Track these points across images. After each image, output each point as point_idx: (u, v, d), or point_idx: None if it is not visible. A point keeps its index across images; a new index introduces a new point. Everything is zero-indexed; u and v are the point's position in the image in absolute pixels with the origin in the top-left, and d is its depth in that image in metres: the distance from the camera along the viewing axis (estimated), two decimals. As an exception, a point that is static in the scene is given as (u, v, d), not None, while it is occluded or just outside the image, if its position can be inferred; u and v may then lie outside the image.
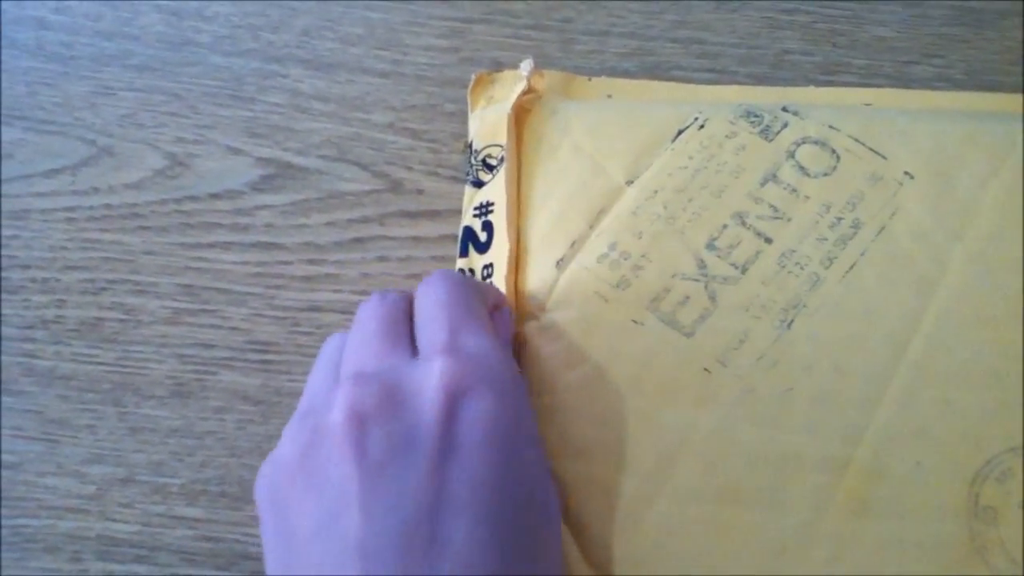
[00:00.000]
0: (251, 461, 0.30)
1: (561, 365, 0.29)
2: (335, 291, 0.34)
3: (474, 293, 0.25)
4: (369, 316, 0.24)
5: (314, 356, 0.32)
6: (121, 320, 0.33)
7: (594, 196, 0.32)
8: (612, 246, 0.31)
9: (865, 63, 0.40)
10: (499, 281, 0.31)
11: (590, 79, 0.38)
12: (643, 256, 0.31)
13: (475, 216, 0.34)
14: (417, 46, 0.41)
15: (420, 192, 0.36)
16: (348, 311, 0.33)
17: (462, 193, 0.36)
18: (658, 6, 0.42)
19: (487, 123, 0.36)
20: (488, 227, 0.33)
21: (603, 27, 0.41)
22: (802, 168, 0.32)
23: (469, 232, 0.33)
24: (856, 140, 0.33)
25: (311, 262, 0.34)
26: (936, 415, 0.27)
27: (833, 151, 0.33)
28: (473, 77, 0.38)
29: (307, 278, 0.34)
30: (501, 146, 0.34)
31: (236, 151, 0.37)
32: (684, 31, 0.41)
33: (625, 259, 0.31)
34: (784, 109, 0.34)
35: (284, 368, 0.32)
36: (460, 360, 0.21)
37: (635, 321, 0.30)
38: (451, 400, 0.20)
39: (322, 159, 0.37)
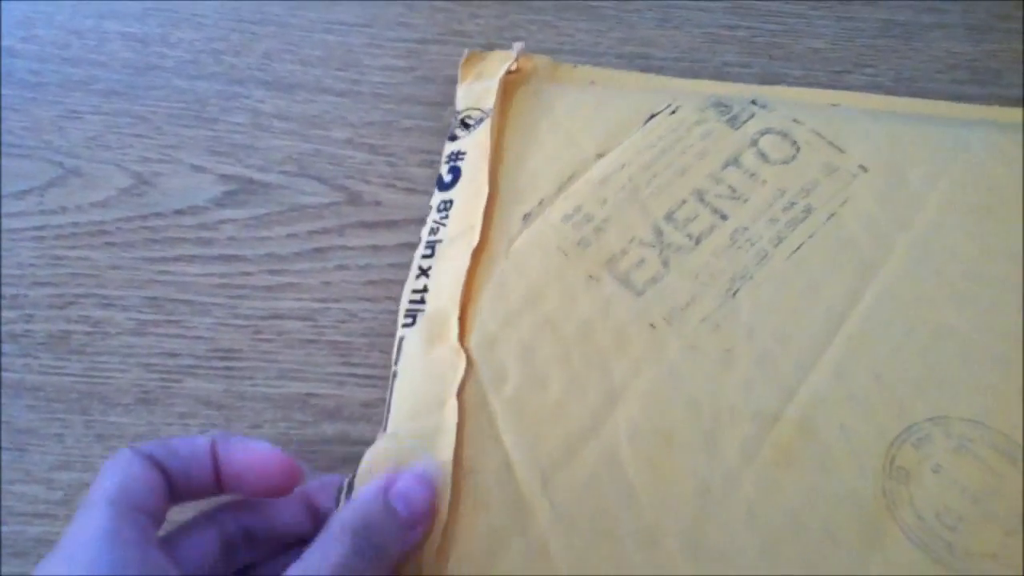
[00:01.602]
0: (215, 463, 0.31)
1: (521, 303, 0.31)
2: (296, 299, 0.35)
3: None
4: None
5: (276, 361, 0.34)
6: (88, 332, 0.34)
7: (566, 163, 0.35)
8: (577, 208, 0.34)
9: (801, 73, 0.42)
10: (460, 216, 0.34)
11: (575, 66, 0.41)
12: (605, 220, 0.33)
13: (445, 162, 0.37)
14: (374, 66, 0.42)
15: (378, 204, 0.38)
16: (309, 318, 0.35)
17: (419, 204, 0.37)
18: (605, 24, 0.44)
19: (473, 92, 0.39)
20: (455, 171, 0.36)
21: (553, 45, 0.43)
22: (763, 155, 0.35)
23: (438, 176, 0.36)
24: (817, 134, 0.35)
25: (273, 272, 0.36)
26: (865, 383, 0.29)
27: (794, 142, 0.35)
28: (466, 52, 0.40)
29: (269, 287, 0.35)
30: (481, 110, 0.37)
31: (200, 169, 0.38)
32: (629, 47, 0.43)
33: (588, 221, 0.33)
34: (753, 102, 0.37)
35: (247, 374, 0.34)
36: None
37: (591, 276, 0.32)
38: None
39: (283, 174, 0.38)
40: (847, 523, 0.27)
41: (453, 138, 0.37)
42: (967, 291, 0.31)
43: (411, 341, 0.31)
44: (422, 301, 0.32)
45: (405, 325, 0.31)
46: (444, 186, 0.36)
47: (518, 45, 0.39)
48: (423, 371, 0.30)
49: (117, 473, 0.22)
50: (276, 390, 0.33)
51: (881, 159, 0.35)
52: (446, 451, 0.27)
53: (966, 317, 0.31)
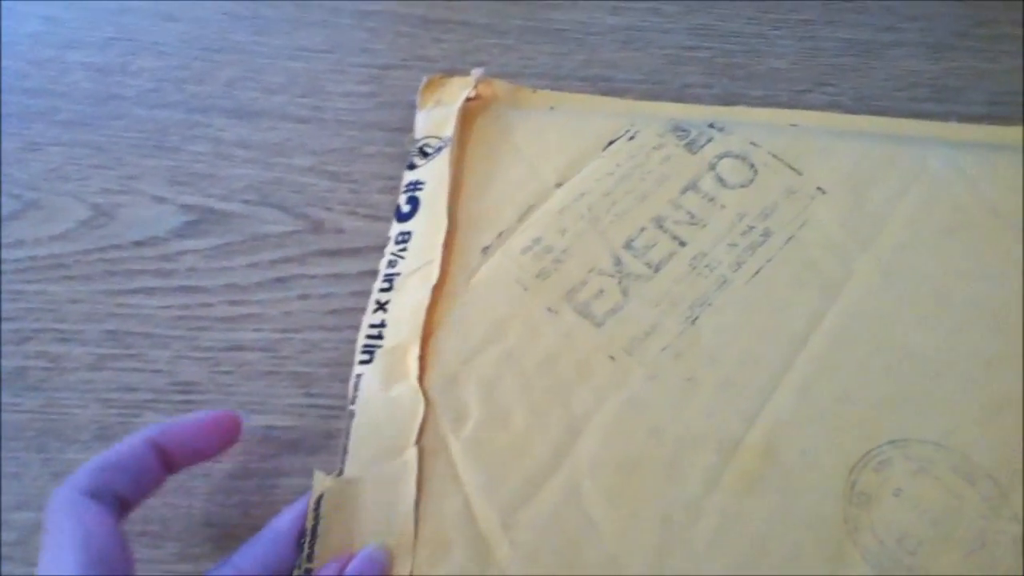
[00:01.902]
0: (173, 500, 0.31)
1: (481, 339, 0.31)
2: (256, 330, 0.35)
3: None
4: None
5: (235, 394, 0.33)
6: (46, 368, 0.34)
7: (526, 194, 0.35)
8: (536, 240, 0.34)
9: (762, 93, 0.43)
10: (418, 248, 0.34)
11: (535, 91, 0.41)
12: (564, 251, 0.34)
13: (403, 192, 0.36)
14: (337, 92, 0.42)
15: (340, 231, 0.37)
16: (269, 349, 0.34)
17: (381, 231, 0.37)
18: (567, 47, 0.44)
19: (432, 119, 0.39)
20: (413, 201, 0.36)
21: (516, 68, 0.44)
22: (721, 179, 0.35)
23: (396, 206, 0.36)
24: (774, 156, 0.36)
25: (233, 303, 0.35)
26: (827, 406, 0.29)
27: (752, 165, 0.35)
28: (424, 79, 0.41)
29: (229, 319, 0.35)
30: (439, 138, 0.37)
31: (160, 199, 0.38)
32: (592, 69, 0.44)
33: (547, 252, 0.33)
34: (711, 125, 0.37)
35: (206, 406, 0.33)
36: None
37: (551, 309, 0.32)
38: None
39: (245, 203, 0.38)
40: (810, 550, 0.27)
41: (411, 167, 0.37)
42: (930, 312, 0.31)
43: (368, 379, 0.31)
44: (380, 337, 0.32)
45: (362, 362, 0.31)
46: (402, 217, 0.36)
47: (477, 71, 0.39)
48: (382, 412, 0.30)
49: (76, 531, 0.23)
50: (236, 423, 0.33)
51: (840, 180, 0.35)
52: (407, 499, 0.27)
53: (928, 338, 0.31)
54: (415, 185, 0.36)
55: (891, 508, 0.27)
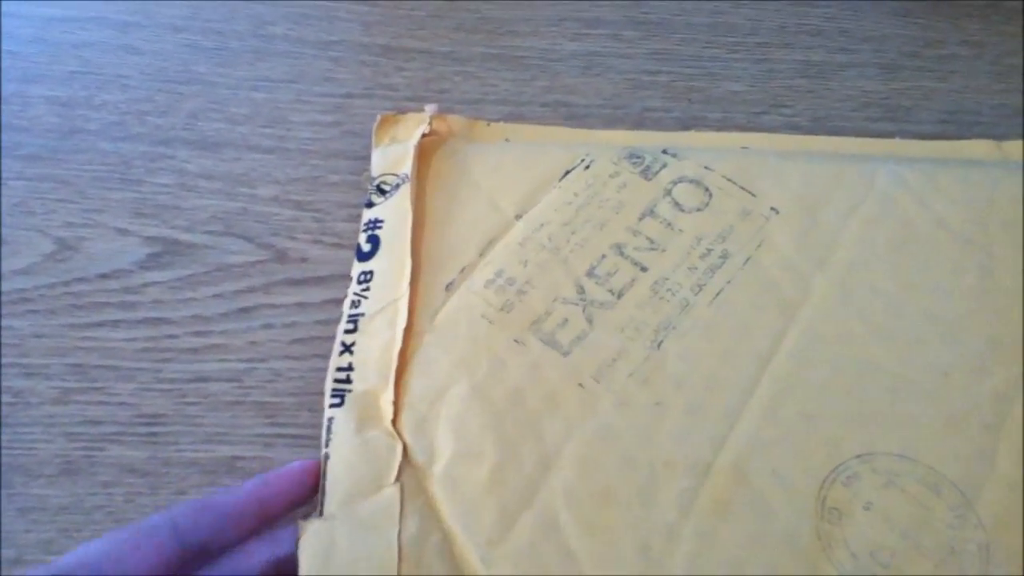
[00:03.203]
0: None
1: (449, 376, 0.32)
2: (221, 360, 0.35)
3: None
4: None
5: (201, 425, 0.34)
6: (10, 403, 0.34)
7: (486, 228, 0.36)
8: (499, 273, 0.34)
9: (720, 116, 0.44)
10: (381, 288, 0.34)
11: (489, 124, 0.43)
12: (527, 282, 0.34)
13: (363, 231, 0.37)
14: (301, 122, 0.43)
15: (304, 260, 0.38)
16: (234, 379, 0.35)
17: (346, 259, 0.38)
18: (529, 74, 0.45)
19: (389, 158, 0.39)
20: (374, 240, 0.36)
21: (477, 95, 0.45)
22: (677, 204, 0.36)
23: (356, 245, 0.37)
24: (728, 179, 0.37)
25: (198, 334, 0.36)
26: (794, 424, 0.30)
27: (707, 189, 0.36)
28: (378, 117, 0.41)
29: (194, 350, 0.36)
30: (396, 175, 0.38)
31: (124, 232, 0.39)
32: (553, 95, 0.45)
33: (510, 285, 0.34)
34: (664, 151, 0.38)
35: (171, 439, 0.34)
36: None
37: (517, 341, 0.32)
38: None
39: (209, 234, 0.39)
40: (786, 568, 0.27)
41: (370, 204, 0.38)
42: (888, 326, 0.32)
43: (341, 422, 0.31)
44: (348, 380, 0.32)
45: (333, 406, 0.31)
46: (363, 256, 0.36)
47: (431, 107, 0.40)
48: (357, 454, 0.30)
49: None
50: (202, 454, 0.33)
51: (792, 200, 0.36)
52: (389, 535, 0.28)
53: (887, 353, 0.32)
54: (375, 224, 0.37)
55: (862, 522, 0.28)
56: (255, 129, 0.43)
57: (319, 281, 0.38)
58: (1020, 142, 0.41)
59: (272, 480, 0.29)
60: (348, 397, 0.31)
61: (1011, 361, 0.31)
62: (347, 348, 0.33)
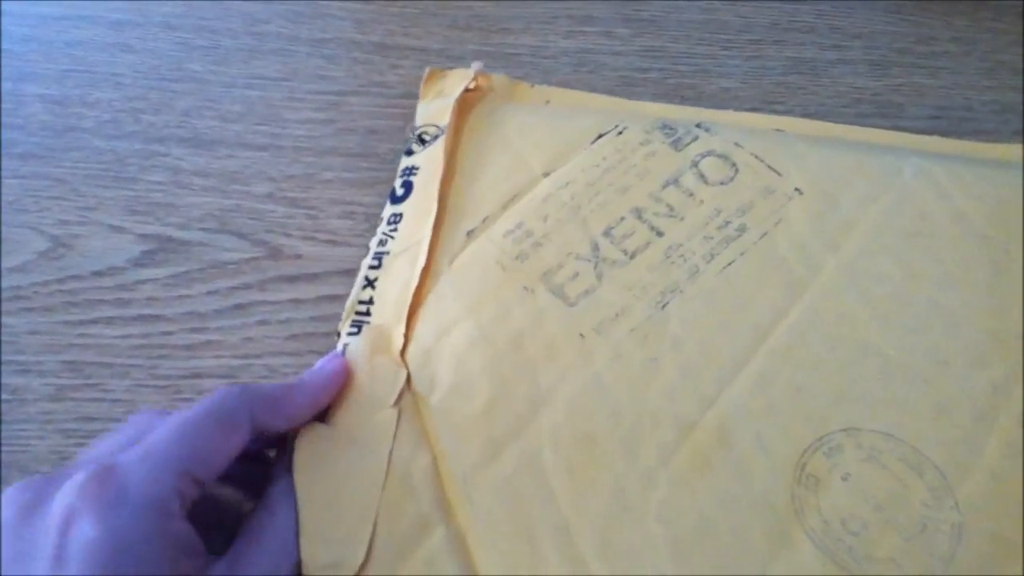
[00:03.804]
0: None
1: (457, 315, 0.33)
2: (216, 357, 0.36)
3: (228, 415, 0.26)
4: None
5: (196, 421, 0.34)
6: (5, 400, 0.35)
7: (513, 183, 0.37)
8: (519, 224, 0.36)
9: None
10: (408, 230, 0.36)
11: (532, 85, 0.44)
12: (544, 236, 0.35)
13: (399, 176, 0.39)
14: (295, 120, 0.43)
15: (298, 257, 0.38)
16: (229, 375, 0.35)
17: (340, 256, 0.38)
18: (522, 71, 0.46)
19: (432, 109, 0.41)
20: (407, 185, 0.38)
21: (471, 93, 0.45)
22: (703, 176, 0.37)
23: (391, 189, 0.38)
24: (756, 157, 0.37)
25: (193, 331, 0.36)
26: (783, 395, 0.31)
27: (733, 164, 0.37)
28: (427, 71, 0.43)
29: (189, 346, 0.36)
30: (437, 126, 0.39)
31: (118, 229, 0.39)
32: (546, 92, 0.45)
33: (528, 237, 0.35)
34: (698, 125, 0.39)
35: (167, 434, 0.34)
36: (96, 479, 0.22)
37: (526, 288, 0.34)
38: (64, 521, 0.21)
39: (203, 231, 0.39)
40: (756, 526, 0.28)
41: (409, 152, 0.39)
42: (891, 312, 0.33)
43: (354, 348, 0.32)
44: (368, 313, 0.34)
45: (350, 333, 0.33)
46: (396, 199, 0.38)
47: (476, 64, 0.41)
48: (364, 376, 0.31)
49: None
50: (197, 450, 0.34)
51: (817, 183, 0.36)
52: (382, 450, 0.29)
53: (886, 337, 0.32)
54: (410, 170, 0.38)
55: (838, 492, 0.28)
56: (249, 127, 0.43)
57: (313, 278, 0.38)
58: None
59: (325, 377, 0.30)
60: (365, 328, 0.33)
61: (1011, 356, 0.32)
62: (370, 283, 0.35)
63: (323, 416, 0.30)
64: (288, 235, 0.39)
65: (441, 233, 0.35)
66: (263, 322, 0.37)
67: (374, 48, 0.47)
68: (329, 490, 0.28)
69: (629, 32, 0.48)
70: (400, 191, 0.38)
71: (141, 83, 0.45)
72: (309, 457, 0.28)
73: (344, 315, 0.34)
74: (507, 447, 0.30)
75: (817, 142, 0.39)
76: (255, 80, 0.45)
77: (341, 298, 0.37)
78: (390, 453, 0.29)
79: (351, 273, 0.38)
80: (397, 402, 0.31)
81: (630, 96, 0.45)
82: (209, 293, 0.38)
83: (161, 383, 0.35)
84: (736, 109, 0.45)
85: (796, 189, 0.36)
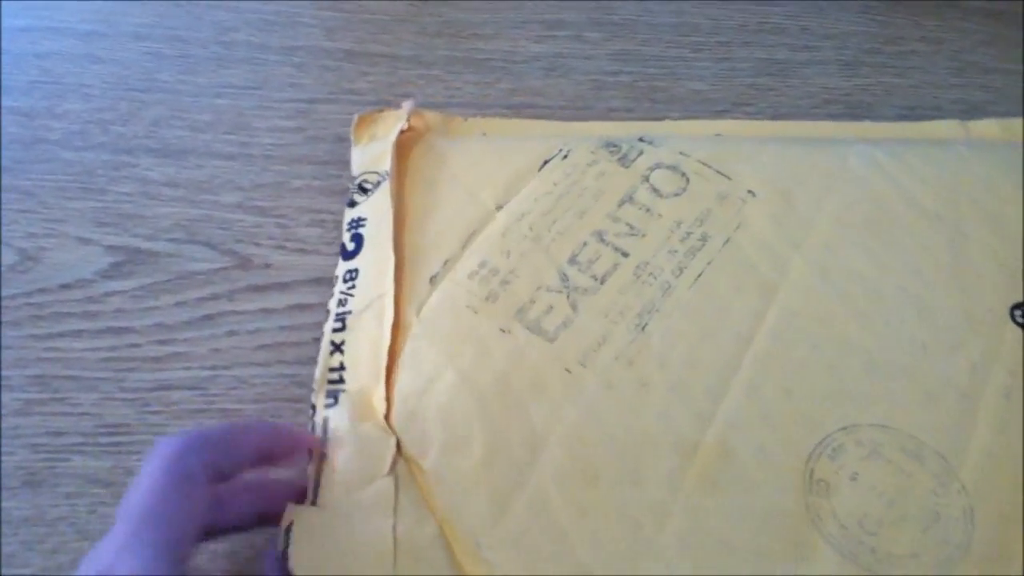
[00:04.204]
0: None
1: (435, 367, 0.32)
2: (185, 368, 0.35)
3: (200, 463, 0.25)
4: None
5: (165, 434, 0.33)
6: (-29, 416, 0.34)
7: (467, 220, 0.36)
8: (482, 264, 0.35)
9: (683, 115, 0.44)
10: (367, 285, 0.34)
11: (466, 119, 0.43)
12: (511, 272, 0.34)
13: (347, 230, 0.37)
14: (264, 128, 0.43)
15: (268, 266, 0.38)
16: (198, 387, 0.35)
17: (309, 264, 0.38)
18: (493, 76, 0.46)
19: (368, 155, 0.40)
20: (357, 239, 0.36)
21: (442, 99, 0.45)
22: (655, 190, 0.36)
23: (341, 245, 0.37)
24: (704, 164, 0.37)
25: (161, 342, 0.36)
26: (776, 401, 0.31)
27: (683, 174, 0.37)
28: (356, 117, 0.41)
29: (157, 358, 0.36)
30: (377, 172, 0.38)
31: (86, 241, 0.39)
32: (517, 98, 0.45)
33: (494, 275, 0.34)
34: (640, 139, 0.39)
35: (135, 448, 0.34)
36: None
37: (503, 330, 0.33)
38: None
39: (171, 242, 0.39)
40: (775, 541, 0.28)
41: (352, 204, 0.38)
42: (863, 306, 0.33)
43: (336, 421, 0.31)
44: (341, 380, 0.32)
45: (327, 406, 0.31)
46: (348, 255, 0.36)
47: (408, 103, 0.40)
48: (352, 446, 0.30)
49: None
50: (165, 463, 0.33)
51: (767, 183, 0.36)
52: (384, 525, 0.28)
53: (865, 331, 0.32)
54: (357, 223, 0.37)
55: (849, 493, 0.28)
56: (218, 136, 0.43)
57: (283, 287, 0.38)
58: (986, 122, 0.42)
59: (283, 436, 0.29)
60: (342, 396, 0.32)
61: (985, 333, 0.32)
62: (337, 347, 0.33)
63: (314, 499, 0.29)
64: (258, 244, 0.39)
65: (403, 282, 0.34)
66: (232, 332, 0.37)
67: (344, 55, 0.47)
68: None
69: (600, 36, 0.48)
70: (350, 246, 0.36)
71: (110, 94, 0.44)
72: (307, 548, 0.27)
73: (316, 386, 0.32)
74: (513, 498, 0.29)
75: (761, 141, 0.39)
76: (225, 89, 0.45)
77: (312, 307, 0.37)
78: (394, 527, 0.28)
79: (322, 282, 0.38)
80: (391, 470, 0.29)
81: (599, 100, 0.45)
82: (178, 304, 0.37)
83: (129, 396, 0.35)
84: (708, 111, 0.45)
85: (749, 191, 0.36)
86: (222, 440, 0.27)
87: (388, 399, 0.31)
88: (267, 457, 0.28)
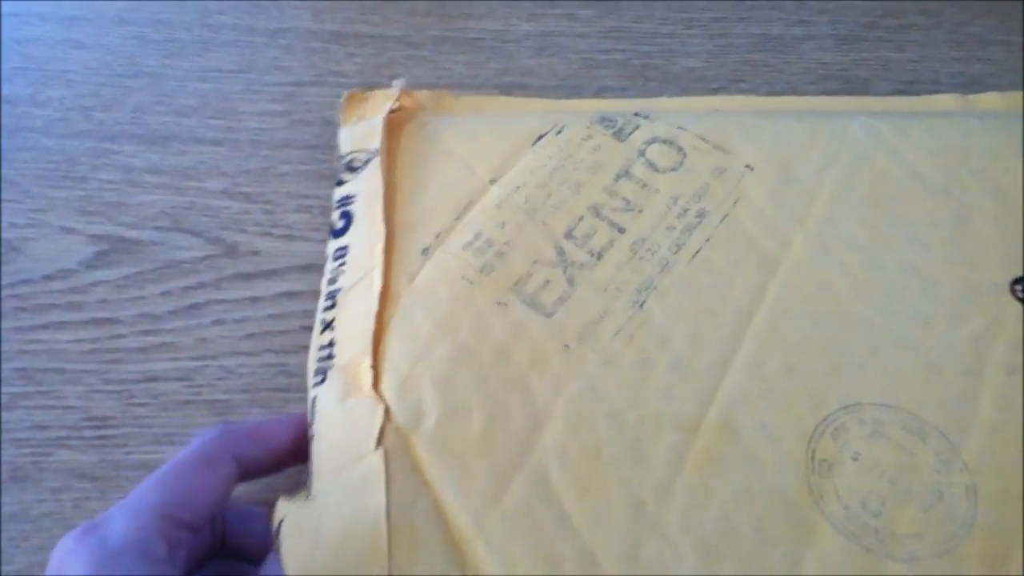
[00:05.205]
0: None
1: (430, 336, 0.30)
2: (171, 359, 0.34)
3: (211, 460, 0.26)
4: None
5: (151, 427, 0.33)
6: (-46, 411, 0.33)
7: (461, 193, 0.35)
8: (477, 235, 0.33)
9: (677, 93, 0.43)
10: (357, 261, 0.33)
11: (457, 97, 0.41)
12: (506, 244, 0.33)
13: (336, 208, 0.36)
14: (250, 112, 0.42)
15: (255, 253, 0.37)
16: (184, 378, 0.34)
17: (297, 251, 0.37)
18: (483, 56, 0.44)
19: (357, 134, 0.38)
20: (346, 216, 0.35)
21: (431, 80, 0.43)
22: (652, 164, 0.35)
23: (330, 223, 0.36)
24: (701, 138, 0.36)
25: (146, 333, 0.35)
26: (779, 377, 0.30)
27: (680, 148, 0.36)
28: (344, 95, 0.39)
29: (142, 349, 0.34)
30: (367, 150, 0.37)
31: (69, 231, 0.38)
32: (508, 77, 0.44)
33: (489, 247, 0.33)
34: (636, 114, 0.37)
35: (121, 441, 0.33)
36: (84, 529, 0.24)
37: (499, 302, 0.31)
38: (59, 564, 0.23)
39: (156, 230, 0.38)
40: (777, 521, 0.27)
41: (340, 183, 0.36)
42: (866, 279, 0.32)
43: (324, 399, 0.30)
44: (330, 357, 0.31)
45: (316, 384, 0.30)
46: (337, 233, 0.35)
47: (398, 82, 0.38)
48: (340, 424, 0.29)
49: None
50: (152, 456, 0.32)
51: (766, 156, 0.35)
52: (376, 502, 0.26)
53: (866, 306, 0.31)
54: (346, 200, 0.35)
55: (852, 473, 0.28)
56: (203, 121, 0.42)
57: (271, 274, 0.37)
58: (985, 94, 0.41)
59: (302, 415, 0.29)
60: (331, 372, 0.30)
61: (988, 307, 0.31)
62: (327, 325, 0.32)
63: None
64: (244, 231, 0.38)
65: (393, 256, 0.33)
66: (219, 322, 0.35)
67: (331, 37, 0.45)
68: (328, 569, 0.25)
69: (592, 13, 0.46)
70: (339, 224, 0.35)
71: (92, 80, 0.43)
72: (299, 544, 0.25)
73: (309, 367, 0.31)
74: (514, 476, 0.27)
75: (759, 115, 0.38)
76: (210, 73, 0.43)
77: (300, 295, 0.36)
78: (387, 507, 0.26)
79: (310, 268, 0.37)
80: (380, 443, 0.27)
81: (592, 79, 0.44)
82: (163, 294, 0.36)
83: (115, 388, 0.34)
84: (702, 89, 0.43)
85: (747, 165, 0.35)
86: (254, 431, 0.27)
87: (376, 368, 0.30)
88: (306, 451, 0.28)
